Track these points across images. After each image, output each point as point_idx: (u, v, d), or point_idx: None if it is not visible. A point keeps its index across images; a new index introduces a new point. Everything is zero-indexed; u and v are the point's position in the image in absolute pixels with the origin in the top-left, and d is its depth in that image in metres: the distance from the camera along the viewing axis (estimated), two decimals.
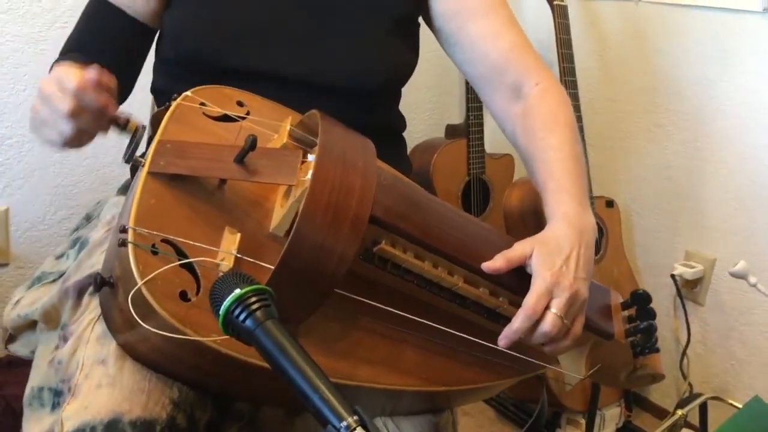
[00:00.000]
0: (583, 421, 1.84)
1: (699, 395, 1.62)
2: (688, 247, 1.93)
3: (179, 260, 0.74)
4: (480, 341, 0.87)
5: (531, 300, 0.83)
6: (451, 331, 0.85)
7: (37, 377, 0.89)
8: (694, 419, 1.66)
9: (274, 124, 0.90)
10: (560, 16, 1.90)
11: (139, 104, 0.96)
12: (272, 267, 0.74)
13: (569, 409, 1.85)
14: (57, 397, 0.84)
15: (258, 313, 0.60)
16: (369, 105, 1.05)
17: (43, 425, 0.82)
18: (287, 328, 0.62)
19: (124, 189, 1.08)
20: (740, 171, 1.82)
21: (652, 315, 0.98)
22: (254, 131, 0.80)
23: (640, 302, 0.98)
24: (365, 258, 0.82)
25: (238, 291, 0.61)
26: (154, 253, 0.73)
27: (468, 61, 1.09)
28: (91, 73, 0.79)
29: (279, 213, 0.83)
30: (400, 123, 1.16)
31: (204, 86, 0.90)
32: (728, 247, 1.86)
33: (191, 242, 0.75)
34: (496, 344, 0.88)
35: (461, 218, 0.95)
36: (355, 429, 0.54)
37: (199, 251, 0.75)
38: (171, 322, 0.71)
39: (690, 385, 1.80)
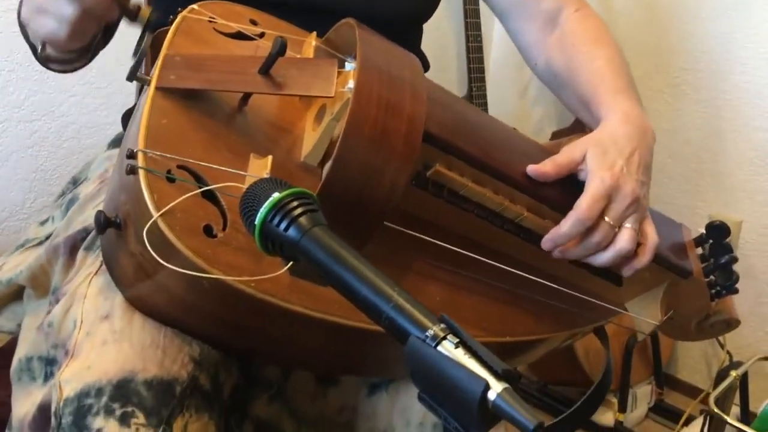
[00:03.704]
0: (614, 400, 1.72)
1: (741, 363, 1.52)
2: (711, 211, 1.83)
3: (200, 188, 0.61)
4: (544, 281, 0.75)
5: (585, 201, 0.71)
6: (513, 270, 0.73)
7: (24, 347, 0.75)
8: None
9: (297, 41, 0.77)
10: None
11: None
12: None
13: None
14: (50, 366, 0.70)
15: (302, 219, 0.49)
16: (392, 38, 0.91)
17: (35, 399, 0.68)
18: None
19: (116, 142, 0.94)
20: (763, 127, 1.73)
21: (729, 249, 0.87)
22: None
23: (717, 235, 0.87)
24: (418, 184, 0.70)
25: (276, 195, 0.49)
26: (170, 180, 0.60)
27: None
28: None
29: (311, 138, 0.70)
30: (425, 64, 1.04)
31: (212, 0, 0.77)
32: (754, 208, 1.77)
33: (214, 166, 0.62)
34: (561, 287, 0.76)
35: (521, 140, 0.82)
36: (444, 337, 0.43)
37: (224, 177, 0.62)
38: (196, 261, 0.58)
39: (729, 353, 1.69)
